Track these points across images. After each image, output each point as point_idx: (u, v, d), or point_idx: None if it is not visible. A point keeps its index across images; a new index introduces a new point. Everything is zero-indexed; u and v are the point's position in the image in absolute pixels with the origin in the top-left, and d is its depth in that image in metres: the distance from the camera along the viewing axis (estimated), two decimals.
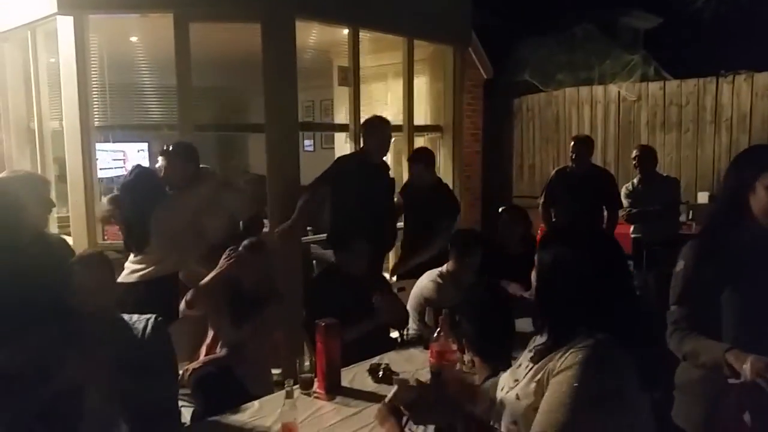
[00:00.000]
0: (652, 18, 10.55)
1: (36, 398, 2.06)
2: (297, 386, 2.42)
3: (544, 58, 8.16)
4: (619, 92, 7.46)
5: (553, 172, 5.12)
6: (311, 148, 8.20)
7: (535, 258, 1.52)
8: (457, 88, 5.24)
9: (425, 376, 2.46)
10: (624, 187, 5.08)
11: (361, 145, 4.04)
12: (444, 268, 3.43)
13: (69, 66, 3.79)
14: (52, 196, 2.51)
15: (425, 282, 3.37)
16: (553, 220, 4.93)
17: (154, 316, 2.34)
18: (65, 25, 3.76)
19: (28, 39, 4.23)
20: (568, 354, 1.36)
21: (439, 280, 3.33)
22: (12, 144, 4.63)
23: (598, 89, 7.69)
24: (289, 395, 2.07)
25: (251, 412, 2.28)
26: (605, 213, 4.84)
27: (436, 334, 2.40)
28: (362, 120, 4.46)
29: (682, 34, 10.18)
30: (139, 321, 2.30)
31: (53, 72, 4.13)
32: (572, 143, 4.82)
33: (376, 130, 3.91)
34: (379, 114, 5.11)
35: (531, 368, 1.47)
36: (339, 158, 4.09)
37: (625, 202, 4.98)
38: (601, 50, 7.87)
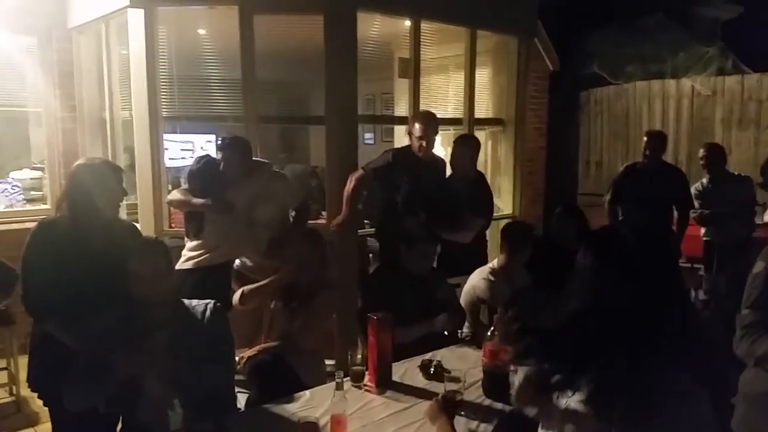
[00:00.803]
0: (731, 8, 10.00)
1: (101, 378, 2.15)
2: (347, 378, 2.44)
3: (614, 49, 7.87)
4: (692, 86, 7.12)
5: (622, 168, 4.93)
6: (372, 141, 8.21)
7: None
8: (521, 80, 5.12)
9: (477, 375, 2.42)
10: (693, 187, 4.85)
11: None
12: (494, 264, 3.37)
13: (138, 58, 3.90)
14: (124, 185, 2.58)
15: (476, 280, 3.31)
16: (620, 218, 4.76)
17: (212, 301, 2.39)
18: (136, 17, 3.88)
19: (102, 32, 4.40)
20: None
21: (491, 278, 3.26)
22: (86, 133, 4.84)
23: (671, 83, 7.36)
24: (339, 387, 2.07)
25: (303, 401, 2.31)
26: (675, 213, 4.64)
27: (490, 333, 2.36)
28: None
29: (764, 25, 9.59)
30: (199, 306, 2.36)
31: (124, 64, 4.27)
32: (645, 138, 4.65)
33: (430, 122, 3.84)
34: (440, 107, 5.10)
35: None
36: (387, 151, 4.07)
37: (695, 202, 4.75)
38: (675, 42, 7.52)
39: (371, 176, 3.77)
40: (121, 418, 2.35)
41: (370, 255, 4.98)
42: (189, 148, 6.22)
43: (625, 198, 4.67)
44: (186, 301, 2.36)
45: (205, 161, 3.64)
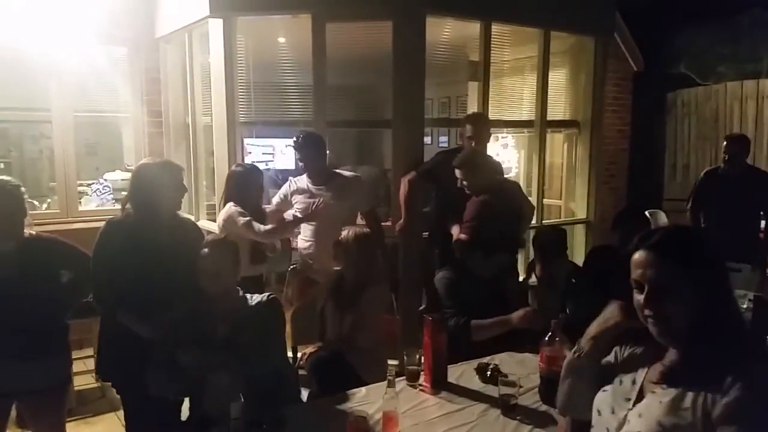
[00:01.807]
0: None
1: (171, 368, 2.28)
2: (402, 378, 2.46)
3: (704, 48, 7.46)
4: None
5: (702, 174, 4.69)
6: (446, 145, 8.20)
7: None
8: (598, 81, 4.97)
9: (534, 380, 2.38)
10: None
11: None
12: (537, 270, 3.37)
13: (218, 65, 4.10)
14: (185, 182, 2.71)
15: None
16: (703, 226, 4.52)
17: (269, 294, 2.51)
18: (216, 27, 4.07)
19: (185, 41, 4.65)
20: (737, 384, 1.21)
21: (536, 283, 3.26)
22: (170, 137, 5.12)
23: (766, 83, 6.89)
24: (391, 384, 2.10)
25: (358, 397, 2.35)
26: (762, 221, 4.37)
27: (547, 338, 2.31)
28: (492, 117, 4.40)
29: None
30: (257, 299, 2.47)
31: (206, 71, 4.50)
32: (725, 143, 4.41)
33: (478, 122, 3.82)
34: (513, 110, 5.04)
35: (656, 389, 1.35)
36: (439, 152, 4.04)
37: None
38: None
39: (423, 178, 3.77)
40: (188, 405, 2.49)
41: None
42: (270, 152, 6.46)
43: (707, 204, 4.44)
44: (248, 296, 2.48)
45: (250, 168, 3.70)
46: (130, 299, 2.41)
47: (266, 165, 6.47)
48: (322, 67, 4.02)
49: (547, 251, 3.39)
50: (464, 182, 3.60)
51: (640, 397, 1.38)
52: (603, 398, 1.48)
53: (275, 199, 3.84)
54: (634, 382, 1.42)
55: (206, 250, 2.36)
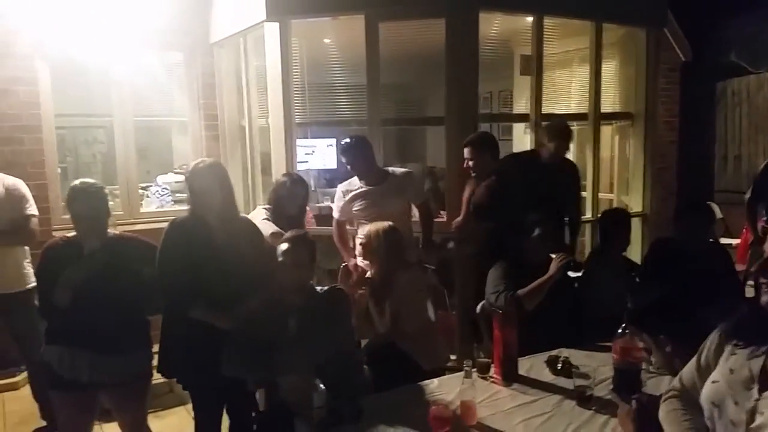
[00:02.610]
0: None
1: (248, 359, 2.37)
2: (474, 369, 2.50)
3: (755, 35, 7.28)
4: None
5: (762, 165, 4.58)
6: None
7: None
8: (651, 72, 4.90)
9: (605, 372, 2.40)
10: None
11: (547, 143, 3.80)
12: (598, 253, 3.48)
13: (275, 68, 4.19)
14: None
15: None
16: (765, 218, 4.41)
17: (336, 286, 2.62)
18: (272, 30, 4.17)
19: (240, 45, 4.76)
20: None
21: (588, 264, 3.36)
22: (226, 140, 5.25)
23: None
24: (468, 375, 2.14)
25: (431, 388, 2.40)
26: None
27: (621, 331, 2.33)
28: (543, 110, 4.39)
29: None
30: (325, 290, 2.58)
31: (260, 74, 4.61)
32: None
33: (561, 131, 3.73)
34: (562, 103, 5.02)
35: None
36: (509, 156, 4.04)
37: None
38: None
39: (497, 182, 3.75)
40: (266, 397, 2.58)
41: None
42: (311, 152, 6.54)
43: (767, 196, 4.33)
44: (317, 288, 2.57)
45: (295, 180, 3.59)
46: (201, 294, 2.50)
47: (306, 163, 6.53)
48: (375, 66, 4.08)
49: (608, 228, 3.47)
50: (470, 162, 3.72)
51: (764, 385, 1.39)
52: (717, 390, 1.48)
53: (336, 214, 3.82)
54: (750, 370, 1.43)
55: (286, 244, 2.44)
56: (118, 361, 2.49)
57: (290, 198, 3.39)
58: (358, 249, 3.61)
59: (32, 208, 3.48)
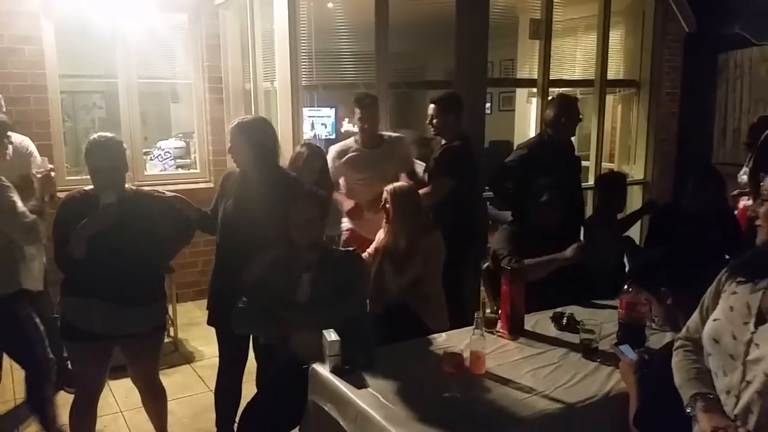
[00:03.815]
0: None
1: (261, 312, 2.44)
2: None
3: (760, 7, 7.24)
4: None
5: (766, 134, 4.61)
6: (488, 111, 8.17)
7: None
8: (657, 40, 4.92)
9: (608, 329, 2.46)
10: None
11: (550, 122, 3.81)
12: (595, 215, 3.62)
13: (282, 28, 4.16)
14: None
15: None
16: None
17: (351, 248, 2.68)
18: None
19: (246, 6, 4.72)
20: None
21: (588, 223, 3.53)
22: (230, 103, 5.24)
23: None
24: (478, 326, 2.20)
25: (440, 341, 2.47)
26: None
27: (626, 286, 2.38)
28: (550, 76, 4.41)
29: None
30: (339, 252, 2.65)
31: (267, 36, 4.58)
32: None
33: (569, 108, 3.75)
34: (567, 70, 5.02)
35: None
36: (521, 146, 4.05)
37: None
38: None
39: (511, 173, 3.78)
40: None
41: (490, 221, 5.03)
42: (324, 122, 6.56)
43: None
44: (333, 248, 2.61)
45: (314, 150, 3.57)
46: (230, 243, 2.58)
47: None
48: (384, 28, 4.08)
49: (607, 189, 3.63)
50: (434, 120, 3.70)
51: (761, 320, 1.45)
52: (717, 327, 1.55)
53: (341, 181, 3.79)
54: (748, 306, 1.49)
55: (297, 202, 2.49)
56: (132, 313, 2.52)
57: (307, 169, 3.37)
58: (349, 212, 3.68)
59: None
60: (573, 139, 4.01)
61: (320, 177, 3.35)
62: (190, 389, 3.67)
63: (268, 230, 2.56)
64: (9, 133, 3.18)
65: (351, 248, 2.82)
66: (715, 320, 1.57)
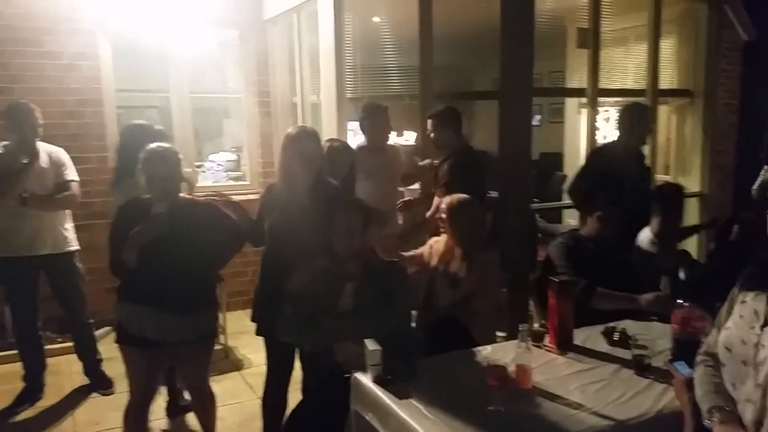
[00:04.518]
0: None
1: (305, 321, 2.44)
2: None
3: None
4: None
5: None
6: (538, 123, 8.06)
7: None
8: (712, 49, 4.76)
9: (662, 345, 2.36)
10: None
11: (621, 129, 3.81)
12: (653, 227, 3.43)
13: (328, 41, 4.21)
14: None
15: (646, 245, 3.28)
16: None
17: (395, 261, 2.65)
18: (325, 4, 4.19)
19: (293, 21, 4.81)
20: None
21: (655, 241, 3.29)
22: (278, 116, 5.33)
23: None
24: (523, 338, 2.14)
25: (484, 354, 2.41)
26: None
27: (681, 301, 2.29)
28: (600, 86, 4.31)
29: None
30: (382, 262, 2.61)
31: (313, 50, 4.65)
32: None
33: (641, 116, 3.71)
34: (618, 80, 4.91)
35: None
36: (594, 151, 3.98)
37: None
38: None
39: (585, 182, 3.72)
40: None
41: (540, 234, 4.94)
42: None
43: None
44: (372, 258, 2.60)
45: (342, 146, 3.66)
46: (277, 254, 2.59)
47: None
48: (428, 40, 4.07)
49: (665, 202, 3.47)
50: (431, 135, 3.75)
51: (767, 322, 1.50)
52: (729, 335, 1.60)
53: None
54: (755, 312, 1.54)
55: (339, 211, 2.49)
56: (183, 320, 2.56)
57: (338, 163, 3.37)
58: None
59: (72, 174, 3.65)
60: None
61: (350, 171, 3.38)
62: (239, 396, 3.71)
63: (314, 241, 2.56)
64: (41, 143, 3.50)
65: (395, 260, 2.79)
66: (726, 329, 1.62)
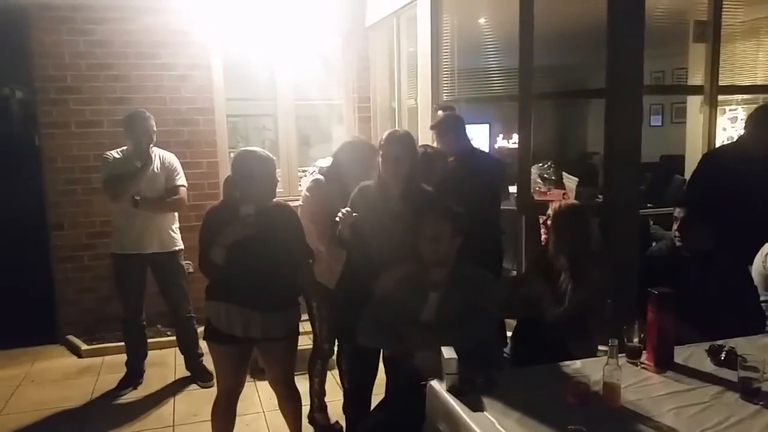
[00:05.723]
0: None
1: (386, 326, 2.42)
2: (623, 354, 2.31)
3: None
4: None
5: None
6: (659, 123, 7.55)
7: None
8: None
9: None
10: None
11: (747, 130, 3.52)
12: None
13: (426, 43, 4.19)
14: None
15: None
16: None
17: (485, 271, 2.54)
18: (424, 7, 4.17)
19: (393, 26, 4.83)
20: None
21: None
22: (377, 121, 5.38)
23: None
24: (612, 355, 1.98)
25: (573, 369, 2.25)
26: None
27: None
28: (723, 82, 3.94)
29: None
30: (472, 270, 2.50)
31: (412, 54, 4.64)
32: None
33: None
34: (746, 75, 4.47)
35: None
36: (706, 154, 3.66)
37: None
38: None
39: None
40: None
41: (653, 242, 4.59)
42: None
43: None
44: (464, 265, 2.50)
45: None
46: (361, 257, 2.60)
47: None
48: (528, 39, 3.90)
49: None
50: (435, 144, 3.71)
51: None
52: None
53: None
54: None
55: (428, 214, 2.43)
56: (268, 318, 2.63)
57: (431, 171, 3.30)
58: None
59: (182, 179, 3.89)
60: None
61: (443, 181, 3.30)
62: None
63: (400, 246, 2.52)
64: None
65: (485, 272, 2.64)
66: None
